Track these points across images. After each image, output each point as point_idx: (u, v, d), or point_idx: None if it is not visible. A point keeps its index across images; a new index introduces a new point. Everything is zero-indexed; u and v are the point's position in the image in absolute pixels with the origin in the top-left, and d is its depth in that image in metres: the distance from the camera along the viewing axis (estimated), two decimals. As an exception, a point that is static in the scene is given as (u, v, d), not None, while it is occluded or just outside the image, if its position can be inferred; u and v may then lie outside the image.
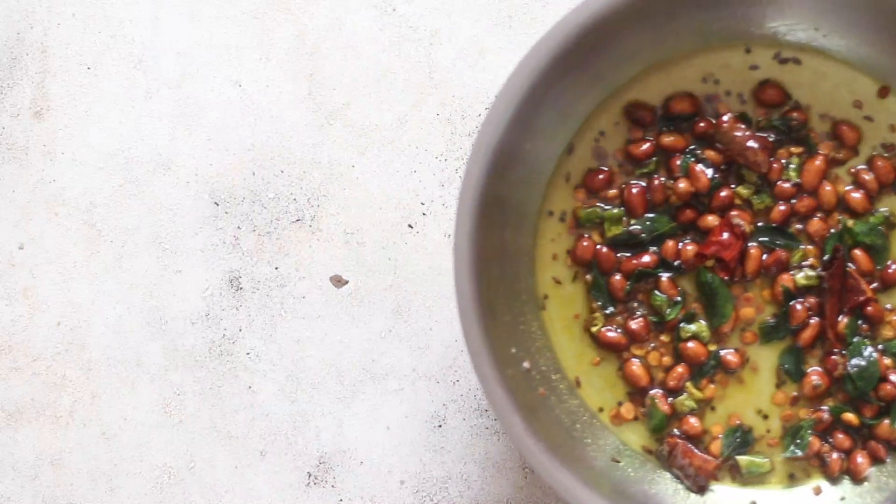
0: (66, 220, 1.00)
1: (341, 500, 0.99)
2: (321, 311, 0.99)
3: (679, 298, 0.93)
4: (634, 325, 0.94)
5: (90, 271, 1.00)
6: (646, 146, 0.94)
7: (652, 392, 0.94)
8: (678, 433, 0.93)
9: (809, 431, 0.93)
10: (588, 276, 0.94)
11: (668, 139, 0.94)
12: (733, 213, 0.93)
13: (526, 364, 0.92)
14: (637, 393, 0.94)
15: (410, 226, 1.00)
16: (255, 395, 0.99)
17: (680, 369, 0.94)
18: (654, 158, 0.94)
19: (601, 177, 0.94)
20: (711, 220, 0.93)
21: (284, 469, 0.99)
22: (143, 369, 1.00)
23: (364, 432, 0.99)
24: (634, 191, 0.94)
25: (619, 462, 0.93)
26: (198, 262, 1.00)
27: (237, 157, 1.00)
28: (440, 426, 0.99)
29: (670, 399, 0.94)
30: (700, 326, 0.94)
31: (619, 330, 0.94)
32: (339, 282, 0.99)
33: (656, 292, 0.94)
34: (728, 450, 0.93)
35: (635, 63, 0.93)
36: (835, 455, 0.93)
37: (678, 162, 0.94)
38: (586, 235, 0.94)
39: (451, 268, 0.87)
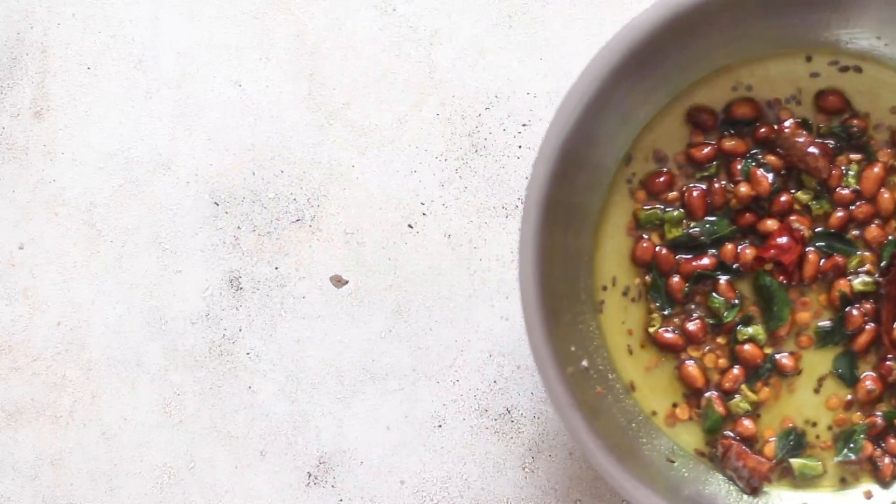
0: (66, 220, 1.00)
1: (341, 500, 0.99)
2: (321, 311, 0.99)
3: (737, 301, 0.94)
4: (692, 326, 0.95)
5: (90, 271, 1.00)
6: (707, 150, 0.95)
7: (707, 394, 0.94)
8: (732, 435, 0.94)
9: (862, 436, 0.93)
10: (647, 277, 0.95)
11: (729, 143, 0.95)
12: (792, 217, 0.93)
13: (584, 363, 0.93)
14: (692, 394, 0.95)
15: (410, 226, 1.00)
16: (255, 396, 0.99)
17: (736, 371, 0.94)
18: (715, 162, 0.95)
19: (662, 179, 0.95)
20: (771, 224, 0.94)
21: (284, 469, 0.99)
22: (143, 369, 1.00)
23: (364, 432, 0.99)
24: (695, 194, 0.95)
25: (673, 462, 0.94)
26: (198, 262, 1.00)
27: (237, 157, 1.00)
28: (440, 426, 0.99)
29: (725, 400, 0.94)
30: (757, 329, 0.94)
31: (676, 331, 0.95)
32: (339, 282, 0.99)
33: (714, 295, 0.94)
34: (781, 452, 0.94)
35: (699, 68, 0.94)
36: (887, 460, 0.93)
37: (739, 166, 0.94)
38: (646, 237, 0.95)
39: (518, 267, 0.88)
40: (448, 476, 0.99)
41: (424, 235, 0.99)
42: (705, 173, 0.95)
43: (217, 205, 1.00)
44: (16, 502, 0.99)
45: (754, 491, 0.94)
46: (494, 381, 0.99)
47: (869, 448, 0.93)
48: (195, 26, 1.00)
